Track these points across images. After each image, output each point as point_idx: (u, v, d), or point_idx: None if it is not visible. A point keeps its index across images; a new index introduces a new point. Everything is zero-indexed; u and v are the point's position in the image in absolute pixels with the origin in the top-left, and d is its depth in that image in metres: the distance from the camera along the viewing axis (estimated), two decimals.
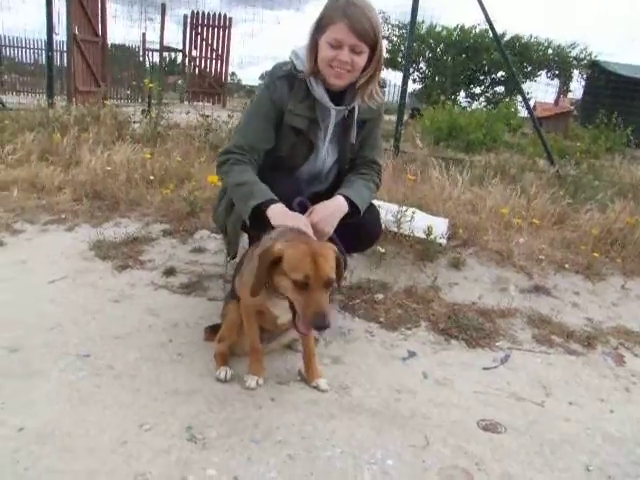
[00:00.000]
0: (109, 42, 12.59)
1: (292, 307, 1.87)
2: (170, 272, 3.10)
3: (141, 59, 16.68)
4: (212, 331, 2.40)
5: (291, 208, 2.20)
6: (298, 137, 2.40)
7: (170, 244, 3.45)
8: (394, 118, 6.72)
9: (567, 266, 3.50)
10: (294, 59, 2.35)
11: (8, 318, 2.46)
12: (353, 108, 2.40)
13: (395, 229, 3.42)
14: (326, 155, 2.50)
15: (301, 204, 2.26)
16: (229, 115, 6.03)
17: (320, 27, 2.22)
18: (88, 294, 2.79)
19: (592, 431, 2.07)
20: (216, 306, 2.71)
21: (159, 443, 1.74)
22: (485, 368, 2.49)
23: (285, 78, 2.33)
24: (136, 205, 3.96)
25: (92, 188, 4.12)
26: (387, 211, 3.37)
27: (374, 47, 2.22)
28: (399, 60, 18.76)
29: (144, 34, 15.39)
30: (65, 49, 10.80)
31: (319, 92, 2.32)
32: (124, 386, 2.03)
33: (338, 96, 2.37)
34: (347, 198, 2.31)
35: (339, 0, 2.18)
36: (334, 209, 2.27)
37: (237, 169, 2.29)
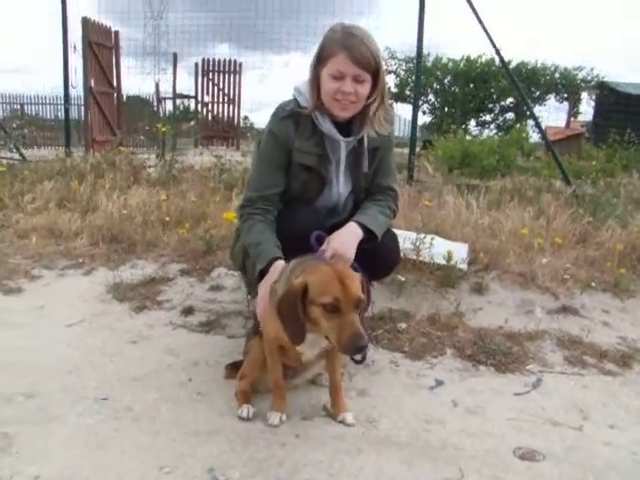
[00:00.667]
0: (124, 94, 12.93)
1: (327, 338, 1.82)
2: (188, 311, 3.06)
3: (155, 108, 17.06)
4: (233, 368, 2.34)
5: (309, 242, 2.18)
6: (309, 174, 2.38)
7: (188, 283, 3.42)
8: (406, 151, 6.74)
9: (594, 284, 3.40)
10: (297, 95, 2.35)
11: (25, 364, 2.42)
12: (362, 137, 2.38)
13: (414, 256, 3.36)
14: (340, 188, 2.48)
15: (319, 238, 2.23)
16: (242, 154, 6.06)
17: (320, 60, 2.22)
18: (105, 337, 2.75)
19: (638, 456, 1.95)
20: (236, 344, 2.65)
21: None
22: (517, 394, 2.38)
23: (289, 117, 2.33)
24: (153, 246, 3.95)
25: (109, 232, 4.14)
26: (405, 239, 3.31)
27: (376, 74, 2.22)
28: (407, 93, 18.95)
29: (157, 84, 15.78)
30: (82, 102, 11.09)
31: (326, 126, 2.32)
32: (143, 428, 1.97)
33: (345, 127, 2.35)
34: (360, 224, 2.28)
35: (337, 32, 2.19)
36: (349, 235, 2.24)
37: (247, 227, 2.34)
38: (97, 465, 1.75)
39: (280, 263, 2.14)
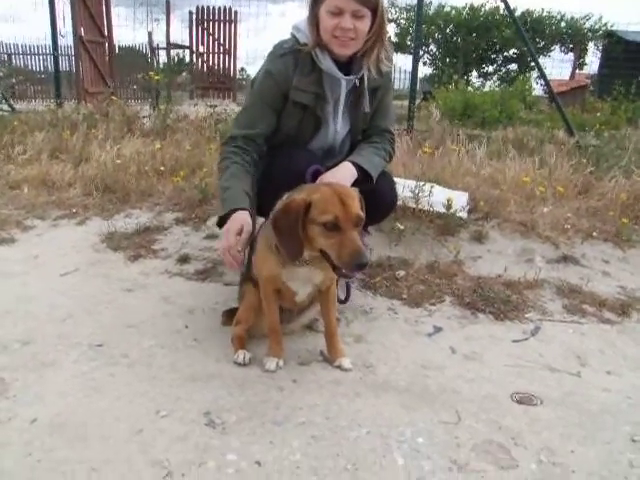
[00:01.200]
0: (116, 44, 12.58)
1: (326, 257, 1.80)
2: (184, 259, 3.02)
3: (149, 59, 16.65)
4: (230, 315, 2.32)
5: (304, 180, 2.11)
6: (305, 113, 2.32)
7: (183, 232, 3.37)
8: (406, 103, 6.59)
9: (595, 234, 3.36)
10: (296, 33, 2.28)
11: (20, 312, 2.40)
12: (363, 76, 2.30)
13: (413, 205, 3.30)
14: (337, 128, 2.41)
15: (315, 173, 2.17)
16: (237, 104, 5.93)
17: None
18: (100, 285, 2.72)
19: (634, 401, 1.94)
20: (232, 291, 2.62)
21: (176, 430, 1.65)
22: (515, 341, 2.37)
23: (289, 54, 2.25)
24: (147, 196, 3.89)
25: (102, 182, 4.06)
26: (404, 187, 3.24)
27: (375, 10, 2.14)
28: (408, 43, 18.49)
29: (150, 33, 15.32)
30: (72, 53, 10.79)
31: (327, 63, 2.24)
32: (139, 374, 1.95)
33: (345, 66, 2.28)
34: (355, 164, 2.24)
35: None
36: (343, 173, 2.20)
37: (222, 167, 2.28)
38: (93, 409, 1.74)
39: (240, 215, 2.07)
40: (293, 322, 2.27)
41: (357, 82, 2.32)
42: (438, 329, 2.44)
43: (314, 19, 2.17)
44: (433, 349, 2.26)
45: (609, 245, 3.31)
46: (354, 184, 2.17)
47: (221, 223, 2.15)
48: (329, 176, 2.17)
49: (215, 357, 2.10)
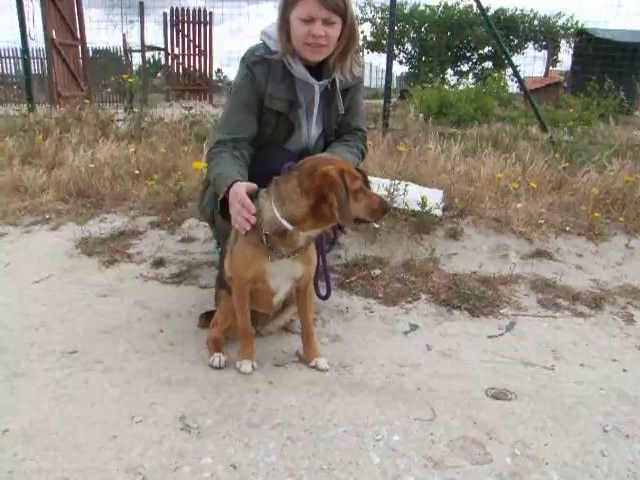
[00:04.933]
0: (90, 47, 12.42)
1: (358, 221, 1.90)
2: (159, 263, 3.00)
3: (123, 61, 16.46)
4: (207, 318, 2.32)
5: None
6: (279, 119, 2.34)
7: (158, 236, 3.35)
8: (382, 102, 6.60)
9: (568, 229, 3.41)
10: (266, 40, 2.29)
11: None
12: (334, 79, 2.32)
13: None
14: (311, 130, 2.43)
15: (290, 169, 2.17)
16: (214, 106, 5.90)
17: (288, 4, 2.16)
18: (74, 291, 2.69)
19: (606, 392, 1.98)
20: (208, 294, 2.62)
21: (151, 435, 1.64)
22: (490, 336, 2.40)
23: (260, 63, 2.26)
24: (122, 200, 3.85)
25: (76, 187, 4.00)
26: (380, 186, 3.26)
27: (345, 16, 2.16)
28: (384, 42, 18.55)
29: (124, 35, 15.19)
30: (44, 56, 10.64)
31: (299, 70, 2.26)
32: (113, 380, 1.93)
33: (316, 70, 2.30)
34: None
35: None
36: None
37: (213, 164, 2.24)
38: (66, 417, 1.72)
39: (240, 184, 2.00)
40: (269, 324, 2.26)
41: (329, 85, 2.33)
42: (414, 327, 2.46)
43: (284, 25, 2.18)
44: (409, 347, 2.27)
45: (582, 239, 3.36)
46: None
47: (223, 211, 2.07)
48: None
49: (191, 360, 2.09)
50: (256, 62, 2.26)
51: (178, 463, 1.53)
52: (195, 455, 1.56)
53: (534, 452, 1.64)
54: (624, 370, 2.15)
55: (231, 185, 2.01)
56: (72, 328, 2.32)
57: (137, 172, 4.21)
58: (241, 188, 1.96)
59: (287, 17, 2.17)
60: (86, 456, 1.55)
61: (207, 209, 2.50)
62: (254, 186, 1.98)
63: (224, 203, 2.05)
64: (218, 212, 2.15)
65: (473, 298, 2.68)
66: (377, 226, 3.17)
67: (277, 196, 1.84)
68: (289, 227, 1.82)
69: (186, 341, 2.24)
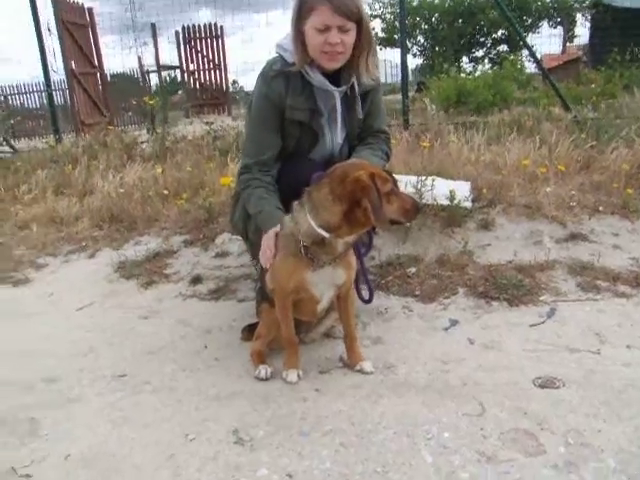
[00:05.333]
0: (108, 72, 12.71)
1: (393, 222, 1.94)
2: (196, 280, 3.06)
3: (141, 83, 16.76)
4: (249, 331, 2.35)
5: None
6: (301, 129, 2.37)
7: (192, 253, 3.41)
8: (399, 97, 6.59)
9: (601, 208, 3.35)
10: (282, 53, 2.31)
11: (42, 350, 2.45)
12: (353, 84, 2.34)
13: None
14: (335, 137, 2.45)
15: (319, 178, 2.21)
16: (233, 119, 5.97)
17: (302, 15, 2.18)
18: (117, 315, 2.76)
19: None
20: (248, 307, 2.66)
21: (206, 451, 1.68)
22: (532, 325, 2.38)
23: (279, 76, 2.29)
24: (154, 221, 3.93)
25: (109, 212, 4.11)
26: (406, 183, 3.25)
27: (359, 22, 2.18)
28: (396, 37, 18.49)
29: (139, 57, 15.49)
30: (66, 86, 10.91)
31: (318, 79, 2.28)
32: (163, 400, 1.98)
33: (334, 77, 2.31)
34: None
35: None
36: None
37: (246, 196, 2.34)
38: (122, 439, 1.77)
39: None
40: (312, 332, 2.29)
41: (348, 91, 2.35)
42: (454, 322, 2.46)
43: (299, 36, 2.20)
44: (450, 342, 2.28)
45: (617, 218, 3.30)
46: None
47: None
48: None
49: (237, 374, 2.13)
50: (275, 76, 2.29)
51: (235, 476, 1.56)
52: (250, 468, 1.60)
53: (588, 440, 1.62)
54: None
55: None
56: (119, 352, 2.38)
57: (166, 192, 4.29)
58: (273, 232, 2.08)
59: (301, 28, 2.19)
60: (145, 476, 1.59)
61: (239, 224, 2.55)
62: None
63: None
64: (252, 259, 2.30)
65: (511, 287, 2.66)
66: (408, 224, 3.17)
67: (311, 206, 1.88)
68: (326, 235, 1.85)
69: (230, 356, 2.28)
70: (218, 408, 1.91)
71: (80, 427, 1.85)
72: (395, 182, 1.93)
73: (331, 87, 2.30)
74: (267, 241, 2.09)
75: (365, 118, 2.46)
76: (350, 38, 2.18)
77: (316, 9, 2.12)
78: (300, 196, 1.99)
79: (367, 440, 1.68)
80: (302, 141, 2.40)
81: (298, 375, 2.05)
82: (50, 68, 7.10)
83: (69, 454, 1.71)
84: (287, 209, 2.08)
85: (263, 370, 2.08)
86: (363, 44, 2.24)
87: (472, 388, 1.93)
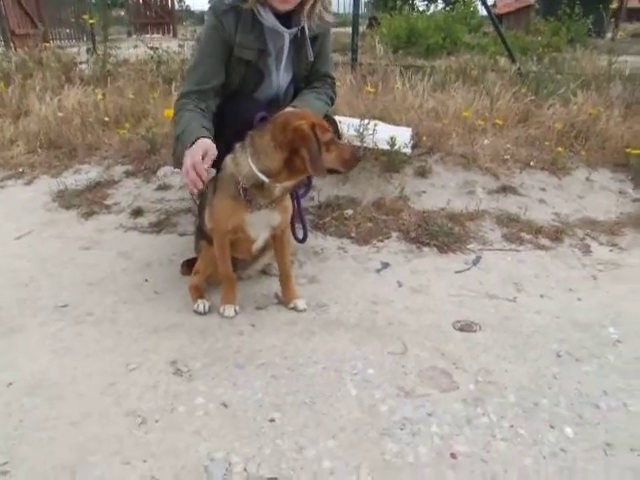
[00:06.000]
0: None
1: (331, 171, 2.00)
2: (137, 213, 3.07)
3: None
4: (189, 265, 2.42)
5: (253, 125, 2.15)
6: (247, 67, 2.36)
7: (134, 184, 3.40)
8: (350, 30, 6.49)
9: (532, 163, 3.53)
10: None
11: None
12: (303, 27, 2.34)
13: (359, 143, 3.38)
14: (280, 78, 2.46)
15: (261, 119, 2.23)
16: (179, 45, 5.76)
17: None
18: (57, 245, 2.76)
19: (561, 320, 2.16)
20: (188, 241, 2.71)
21: (146, 380, 1.78)
22: (458, 271, 2.56)
23: (230, 11, 2.25)
24: (94, 149, 3.85)
25: (46, 137, 3.98)
26: (349, 125, 3.31)
27: None
28: None
29: None
30: None
31: (269, 19, 2.26)
32: (105, 331, 2.05)
33: (286, 18, 2.30)
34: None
35: None
36: None
37: (177, 119, 2.27)
38: (64, 369, 1.84)
39: (203, 140, 2.04)
40: (248, 269, 2.38)
41: (298, 33, 2.35)
42: (385, 265, 2.60)
43: None
44: (381, 284, 2.43)
45: (546, 174, 3.49)
46: None
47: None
48: None
49: (176, 308, 2.21)
50: (226, 11, 2.25)
51: (173, 404, 1.68)
52: (188, 396, 1.71)
53: (495, 378, 1.82)
54: (579, 299, 2.33)
55: (194, 142, 2.04)
56: (59, 282, 2.41)
57: (107, 119, 4.18)
58: (199, 146, 2.00)
59: None
60: (88, 403, 1.68)
61: (180, 157, 2.55)
62: (214, 151, 2.02)
63: None
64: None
65: (441, 235, 2.82)
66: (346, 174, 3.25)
67: (252, 151, 1.92)
68: (266, 180, 1.91)
69: (170, 289, 2.35)
70: (158, 340, 2.00)
71: (22, 356, 1.90)
72: (337, 130, 1.99)
73: (282, 28, 2.29)
74: (191, 157, 1.97)
75: (313, 62, 2.48)
76: None
77: None
78: (242, 136, 2.01)
79: (298, 373, 1.82)
80: (247, 79, 2.39)
81: (235, 310, 2.16)
82: None
83: (12, 382, 1.77)
84: (229, 148, 2.06)
85: (201, 304, 2.17)
86: None
87: (397, 328, 2.09)
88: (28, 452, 1.50)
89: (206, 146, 2.03)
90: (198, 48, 2.43)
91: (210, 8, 2.32)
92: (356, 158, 1.99)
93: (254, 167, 1.91)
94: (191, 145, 2.04)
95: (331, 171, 1.99)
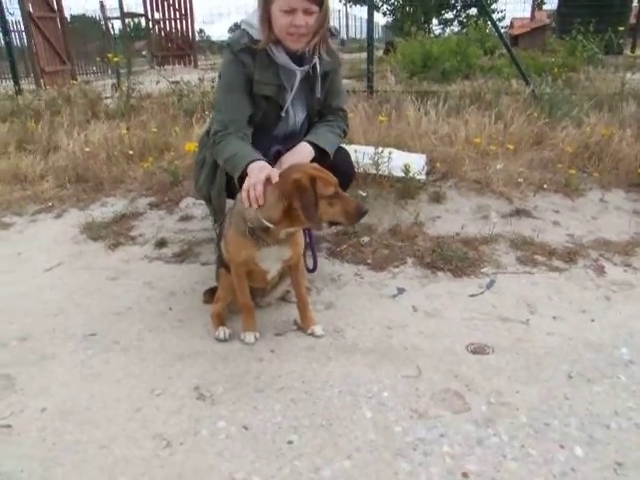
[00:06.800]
0: (67, 15, 12.28)
1: (333, 223, 2.04)
2: (161, 243, 3.19)
3: (104, 28, 16.20)
4: (211, 294, 2.52)
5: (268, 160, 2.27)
6: (268, 103, 2.48)
7: (158, 216, 3.53)
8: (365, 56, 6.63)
9: (546, 186, 3.59)
10: (249, 29, 2.40)
11: (13, 309, 2.57)
12: (315, 64, 2.46)
13: (374, 171, 3.48)
14: (296, 114, 2.59)
15: (276, 153, 2.35)
16: (199, 79, 5.97)
17: None
18: (85, 276, 2.89)
19: (574, 341, 2.20)
20: (210, 270, 2.80)
21: (171, 405, 1.87)
22: (472, 295, 2.61)
23: (246, 50, 2.38)
24: (119, 182, 4.01)
25: (74, 172, 4.16)
26: (364, 154, 3.42)
27: (322, 4, 2.29)
28: None
29: (102, 2, 14.95)
30: (23, 29, 10.51)
31: (282, 58, 2.40)
32: (131, 358, 2.15)
33: (298, 56, 2.43)
34: (311, 143, 2.41)
35: None
36: (300, 153, 2.37)
37: (221, 147, 2.37)
38: (94, 394, 1.94)
39: (259, 162, 2.16)
40: (267, 296, 2.48)
41: (310, 70, 2.47)
42: (401, 290, 2.67)
43: (266, 16, 2.30)
44: (397, 309, 2.49)
45: (559, 196, 3.54)
46: (313, 161, 2.34)
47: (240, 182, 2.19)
48: (289, 155, 2.34)
49: (199, 335, 2.31)
50: (242, 49, 2.38)
51: (197, 428, 1.76)
52: (211, 420, 1.79)
53: (507, 399, 1.87)
54: (592, 320, 2.36)
55: (250, 162, 2.17)
56: (88, 312, 2.53)
57: (131, 152, 4.35)
58: (257, 166, 2.12)
59: (268, 8, 2.28)
60: (117, 427, 1.77)
61: (203, 188, 2.68)
62: (274, 175, 2.03)
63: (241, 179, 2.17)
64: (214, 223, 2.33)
65: (456, 259, 2.88)
66: (364, 194, 3.35)
67: None
68: (270, 226, 2.00)
69: (193, 317, 2.45)
70: (182, 366, 2.09)
71: (54, 383, 2.01)
72: (345, 182, 2.07)
73: (293, 66, 2.42)
74: (255, 177, 2.04)
75: (325, 97, 2.60)
76: (313, 20, 2.29)
77: None
78: None
79: (315, 397, 1.89)
80: (268, 115, 2.51)
81: (255, 337, 2.24)
82: (6, 10, 6.84)
83: (45, 407, 1.88)
84: (243, 181, 2.15)
85: (222, 332, 2.27)
86: (324, 26, 2.36)
87: (412, 352, 2.15)
88: (62, 474, 1.59)
89: (263, 166, 2.14)
90: (220, 86, 2.54)
91: (226, 47, 2.45)
92: (360, 212, 1.99)
93: (259, 213, 2.00)
94: (247, 166, 2.16)
95: (334, 223, 2.05)
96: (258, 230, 2.03)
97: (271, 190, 1.98)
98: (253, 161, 2.18)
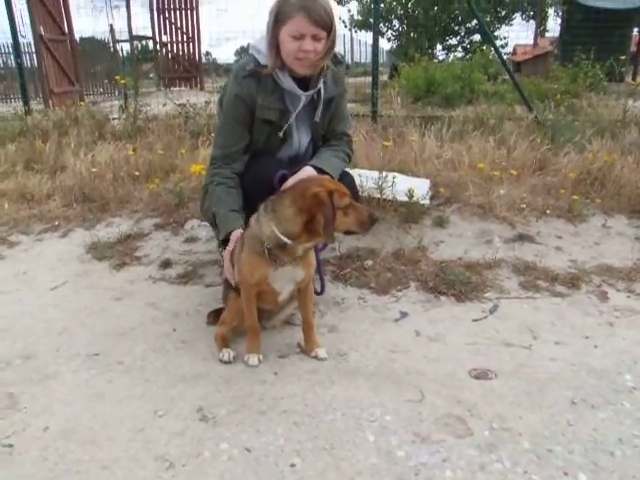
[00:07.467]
0: (77, 37, 12.47)
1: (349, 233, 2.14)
2: (166, 264, 3.21)
3: (112, 50, 16.46)
4: (214, 315, 2.53)
5: (273, 184, 2.32)
6: (271, 127, 2.53)
7: (163, 237, 3.55)
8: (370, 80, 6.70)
9: (549, 212, 3.60)
10: (256, 54, 2.46)
11: (18, 328, 2.58)
12: (319, 89, 2.51)
13: (378, 195, 3.51)
14: (300, 138, 2.63)
15: (282, 177, 2.38)
16: (206, 102, 6.05)
17: (278, 22, 2.32)
18: (90, 296, 2.90)
19: (577, 367, 2.20)
20: (214, 292, 2.83)
21: (173, 426, 1.87)
22: (475, 320, 2.61)
23: (251, 76, 2.44)
24: (125, 203, 4.04)
25: (81, 192, 4.20)
26: (368, 178, 3.45)
27: (330, 30, 2.34)
28: (371, 21, 18.46)
29: (111, 25, 15.21)
30: (34, 50, 10.69)
31: (288, 83, 2.45)
32: (134, 378, 2.16)
33: (303, 80, 2.48)
34: (315, 167, 2.44)
35: None
36: (304, 176, 2.38)
37: (210, 191, 2.55)
38: (97, 414, 1.94)
39: (236, 234, 2.33)
40: (273, 319, 2.48)
41: (315, 95, 2.52)
42: (404, 314, 2.68)
43: (274, 41, 2.36)
44: (399, 334, 2.49)
45: (562, 221, 3.56)
46: None
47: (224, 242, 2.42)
48: (291, 182, 2.35)
49: (202, 357, 2.31)
50: (246, 76, 2.44)
51: (199, 450, 1.76)
52: (213, 442, 1.79)
53: (509, 425, 1.86)
54: (595, 346, 2.36)
55: (230, 232, 2.36)
56: (92, 331, 2.54)
57: (137, 173, 4.39)
58: (232, 246, 2.30)
59: (277, 34, 2.34)
60: (119, 448, 1.77)
61: (208, 213, 2.71)
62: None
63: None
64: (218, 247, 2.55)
65: (459, 284, 2.89)
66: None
67: (274, 215, 2.05)
68: (288, 242, 2.03)
69: (197, 338, 2.46)
70: (185, 387, 2.09)
71: (57, 402, 2.01)
72: (355, 191, 2.11)
73: (299, 91, 2.47)
74: (227, 260, 2.34)
75: (330, 122, 2.65)
76: (322, 46, 2.34)
77: (293, 17, 2.27)
78: (263, 193, 2.17)
79: (318, 420, 1.89)
80: (271, 139, 2.56)
81: (259, 359, 2.24)
82: (19, 33, 6.97)
83: (48, 426, 1.88)
84: (250, 203, 2.28)
85: (226, 353, 2.27)
86: (332, 51, 2.42)
87: (415, 377, 2.15)
88: None
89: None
90: (222, 113, 2.62)
91: (232, 75, 2.52)
92: (372, 220, 2.10)
93: (276, 230, 2.03)
94: (225, 239, 2.36)
95: (349, 232, 2.12)
96: (275, 249, 2.06)
97: (287, 204, 2.03)
98: (231, 232, 2.35)
